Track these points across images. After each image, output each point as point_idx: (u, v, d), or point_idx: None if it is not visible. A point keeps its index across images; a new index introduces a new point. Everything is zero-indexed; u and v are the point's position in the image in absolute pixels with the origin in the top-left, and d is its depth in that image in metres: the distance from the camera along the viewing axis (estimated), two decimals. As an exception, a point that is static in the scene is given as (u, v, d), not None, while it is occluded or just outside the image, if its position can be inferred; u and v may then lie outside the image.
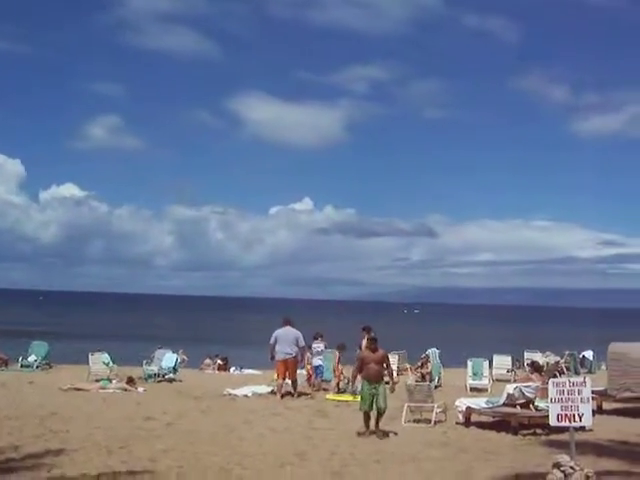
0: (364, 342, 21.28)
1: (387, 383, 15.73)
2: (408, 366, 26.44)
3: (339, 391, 21.44)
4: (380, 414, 14.88)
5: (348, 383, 21.80)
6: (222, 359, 33.01)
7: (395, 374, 25.47)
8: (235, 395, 20.84)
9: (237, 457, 12.31)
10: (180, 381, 24.57)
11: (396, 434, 14.88)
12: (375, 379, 14.97)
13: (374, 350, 15.29)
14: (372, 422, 14.93)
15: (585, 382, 10.77)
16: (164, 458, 12.05)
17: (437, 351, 26.51)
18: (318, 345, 22.21)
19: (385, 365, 15.51)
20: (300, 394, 20.89)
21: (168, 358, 25.64)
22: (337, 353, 22.33)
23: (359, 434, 14.65)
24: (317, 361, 22.09)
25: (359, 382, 19.23)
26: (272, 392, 21.07)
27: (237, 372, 30.95)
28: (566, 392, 10.68)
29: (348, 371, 22.59)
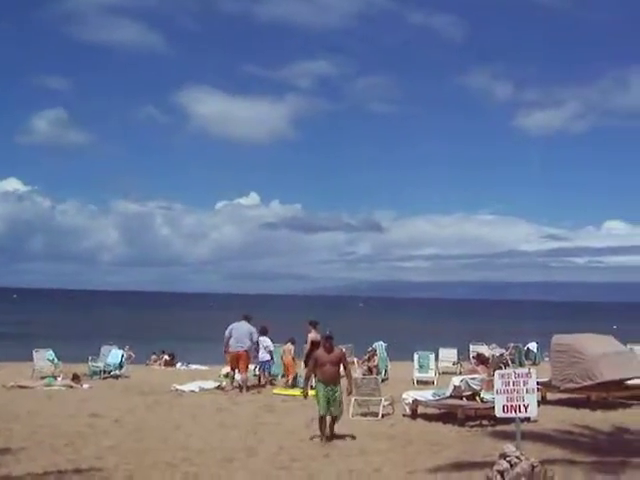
0: (310, 336, 21.38)
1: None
2: (355, 360, 26.51)
3: (293, 386, 21.46)
4: (334, 421, 13.89)
5: (296, 378, 21.87)
6: (169, 355, 32.81)
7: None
8: (182, 391, 20.74)
9: (184, 453, 12.26)
10: (126, 377, 24.34)
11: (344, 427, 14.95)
12: (331, 381, 13.74)
13: (330, 349, 13.94)
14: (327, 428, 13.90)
15: (530, 373, 10.92)
16: (111, 455, 11.95)
17: (384, 344, 26.61)
18: (264, 340, 22.17)
19: (343, 366, 14.25)
20: (248, 388, 20.85)
21: (114, 354, 25.37)
22: (292, 347, 22.36)
23: (312, 439, 13.56)
24: (264, 356, 22.06)
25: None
26: (219, 387, 21.01)
27: (184, 368, 30.80)
28: (511, 383, 10.83)
29: (298, 366, 22.68)
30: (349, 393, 14.74)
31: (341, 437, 13.93)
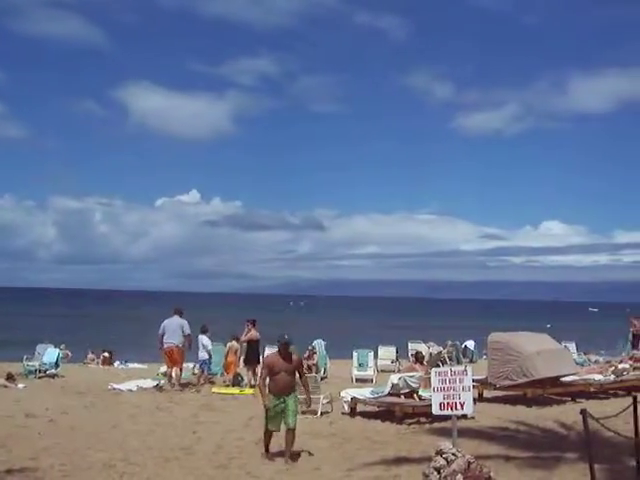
0: (249, 334, 21.34)
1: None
2: (295, 358, 26.52)
3: (234, 384, 21.40)
4: (290, 435, 11.80)
5: (237, 377, 21.81)
6: (106, 353, 32.45)
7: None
8: (120, 390, 20.51)
9: (121, 453, 12.12)
10: (63, 377, 23.98)
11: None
12: (285, 391, 11.78)
13: (286, 357, 11.87)
14: (279, 440, 12.15)
15: (466, 371, 11.09)
16: (46, 456, 11.75)
17: (323, 342, 26.72)
18: (203, 338, 22.06)
19: (299, 374, 12.26)
20: (185, 386, 20.72)
21: (50, 353, 24.99)
22: (236, 345, 22.25)
23: (263, 456, 11.95)
24: (203, 355, 21.94)
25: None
26: (157, 386, 20.83)
27: (122, 366, 30.49)
28: (448, 381, 11.00)
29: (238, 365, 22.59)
30: (308, 406, 13.06)
31: (280, 435, 13.90)
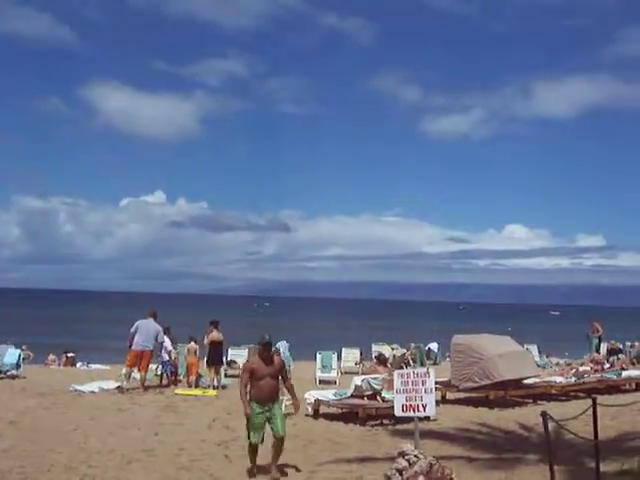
0: (211, 335, 21.26)
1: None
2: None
3: (196, 386, 21.31)
4: (278, 444, 10.68)
5: (200, 377, 21.72)
6: (68, 354, 32.17)
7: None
8: (81, 391, 20.31)
9: (83, 455, 12.03)
10: (24, 378, 23.70)
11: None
12: (270, 398, 10.63)
13: (269, 359, 10.79)
14: (265, 452, 10.99)
15: (428, 373, 11.16)
16: (5, 458, 11.62)
17: (286, 344, 26.64)
18: (165, 339, 21.93)
19: (282, 378, 11.05)
20: (148, 388, 20.60)
21: (10, 354, 24.67)
22: (194, 346, 22.14)
23: (249, 473, 10.91)
24: (165, 356, 21.82)
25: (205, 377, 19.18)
26: (119, 387, 20.66)
27: (84, 367, 30.24)
28: (410, 383, 11.08)
29: (200, 365, 22.51)
30: (296, 408, 11.81)
31: (243, 437, 13.87)
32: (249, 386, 10.71)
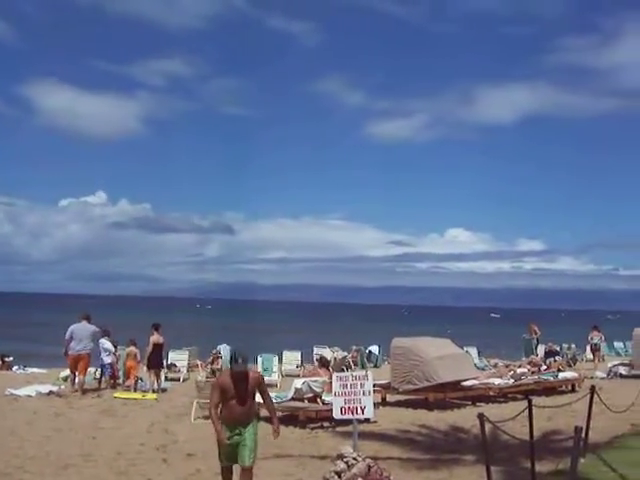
0: (152, 338, 21.07)
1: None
2: (199, 362, 26.37)
3: (135, 389, 21.11)
4: (245, 476, 8.91)
5: (138, 381, 21.50)
6: (5, 358, 31.55)
7: (185, 370, 25.41)
8: (17, 395, 19.96)
9: (18, 460, 11.83)
10: (-43, 382, 23.22)
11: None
12: (240, 421, 8.83)
13: (241, 376, 8.81)
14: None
15: (367, 376, 11.25)
16: (-63, 464, 11.38)
17: (228, 347, 26.59)
18: (104, 342, 21.67)
19: (261, 394, 9.25)
20: (86, 391, 20.33)
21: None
22: (134, 350, 21.91)
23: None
24: (105, 359, 21.56)
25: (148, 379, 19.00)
26: (57, 391, 20.35)
27: (20, 371, 29.66)
28: (349, 386, 11.15)
29: (140, 369, 22.30)
30: (277, 432, 9.30)
31: (182, 441, 13.81)
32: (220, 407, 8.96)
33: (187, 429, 15.09)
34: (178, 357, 26.42)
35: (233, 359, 9.39)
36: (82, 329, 20.46)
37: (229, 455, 8.93)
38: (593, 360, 31.07)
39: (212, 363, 24.08)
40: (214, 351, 25.66)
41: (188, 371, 25.72)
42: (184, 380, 24.20)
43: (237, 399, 8.74)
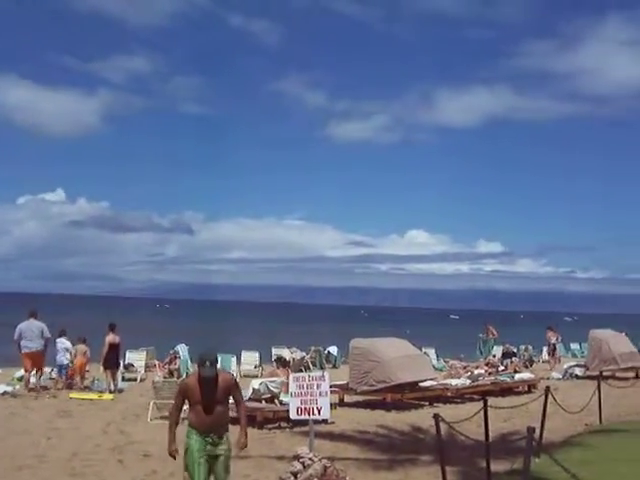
0: (107, 338, 20.91)
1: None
2: (157, 362, 26.21)
3: (86, 387, 20.95)
4: None
5: (94, 381, 21.34)
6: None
7: (143, 371, 25.23)
8: (-29, 396, 19.70)
9: (-30, 462, 11.67)
10: None
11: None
12: (214, 428, 7.90)
13: (210, 379, 7.82)
14: None
15: (324, 377, 11.29)
16: None
17: (186, 347, 26.47)
18: (62, 342, 21.45)
19: (235, 400, 8.22)
20: (41, 391, 20.11)
21: None
22: (84, 348, 21.70)
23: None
24: (62, 359, 21.33)
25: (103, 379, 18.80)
26: (11, 392, 20.11)
27: (-26, 372, 29.29)
28: (305, 387, 11.19)
29: (96, 369, 22.14)
30: (242, 447, 8.34)
31: (138, 442, 13.70)
32: (183, 413, 8.31)
33: (144, 430, 14.98)
34: (135, 357, 26.26)
35: (200, 362, 7.84)
36: (29, 327, 20.23)
37: (200, 466, 7.81)
38: (549, 361, 31.45)
39: (170, 363, 23.98)
40: (171, 351, 25.53)
41: (146, 371, 25.56)
42: (141, 380, 24.03)
43: (203, 405, 7.81)
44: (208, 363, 7.78)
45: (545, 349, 34.10)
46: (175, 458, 8.06)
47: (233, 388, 8.14)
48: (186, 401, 8.00)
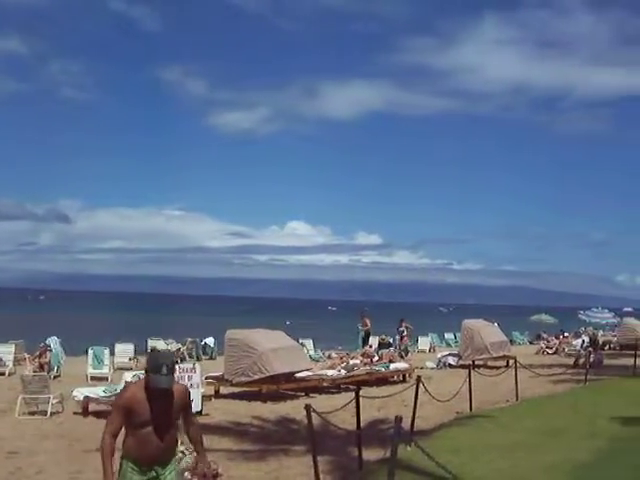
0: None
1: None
2: (26, 356, 25.40)
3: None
4: None
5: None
6: None
7: (11, 364, 24.43)
8: None
9: None
10: None
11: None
12: (158, 458, 5.69)
13: (162, 393, 5.62)
14: None
15: (195, 368, 11.19)
16: None
17: (58, 340, 25.76)
18: None
19: (184, 419, 6.02)
20: None
21: None
22: None
23: None
24: None
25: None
26: None
27: None
28: (177, 378, 10.98)
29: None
30: (208, 467, 7.68)
31: (3, 438, 13.24)
32: (120, 437, 5.69)
33: (10, 425, 14.50)
34: (4, 350, 25.38)
35: (153, 367, 5.57)
36: None
37: None
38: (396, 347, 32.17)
39: (40, 357, 23.26)
40: (42, 344, 24.78)
41: (14, 365, 24.75)
42: (10, 374, 23.27)
43: (154, 426, 5.58)
44: (165, 369, 5.59)
45: (398, 337, 34.80)
46: None
47: (187, 402, 6.01)
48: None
